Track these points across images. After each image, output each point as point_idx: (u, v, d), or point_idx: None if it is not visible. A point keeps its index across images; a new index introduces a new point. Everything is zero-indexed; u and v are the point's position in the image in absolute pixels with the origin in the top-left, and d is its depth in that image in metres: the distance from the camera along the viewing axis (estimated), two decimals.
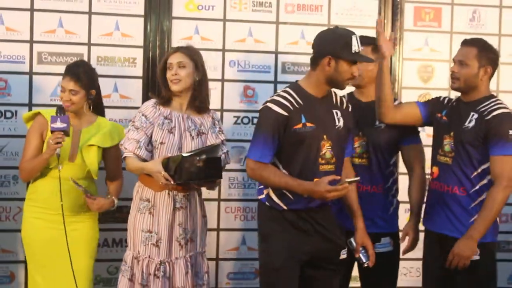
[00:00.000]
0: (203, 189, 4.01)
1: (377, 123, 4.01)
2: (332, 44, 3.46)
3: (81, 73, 4.00)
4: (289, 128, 3.43)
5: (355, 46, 3.50)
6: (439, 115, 4.04)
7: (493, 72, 3.89)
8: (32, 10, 4.44)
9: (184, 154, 3.65)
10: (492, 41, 4.06)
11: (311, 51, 3.65)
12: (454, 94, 4.59)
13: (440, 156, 4.00)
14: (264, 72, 4.83)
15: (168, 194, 3.80)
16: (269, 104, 3.51)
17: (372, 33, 4.37)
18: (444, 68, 4.92)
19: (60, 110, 3.79)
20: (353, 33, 3.58)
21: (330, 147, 3.52)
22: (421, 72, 5.00)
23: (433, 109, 4.08)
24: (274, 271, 3.58)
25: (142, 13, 4.62)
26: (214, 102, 4.52)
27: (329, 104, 3.57)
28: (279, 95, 3.51)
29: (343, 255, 3.76)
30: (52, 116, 3.74)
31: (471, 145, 3.82)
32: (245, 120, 4.77)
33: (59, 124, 3.72)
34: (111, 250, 4.57)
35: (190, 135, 3.85)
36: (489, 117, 3.77)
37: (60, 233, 3.82)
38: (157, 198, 3.81)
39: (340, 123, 3.58)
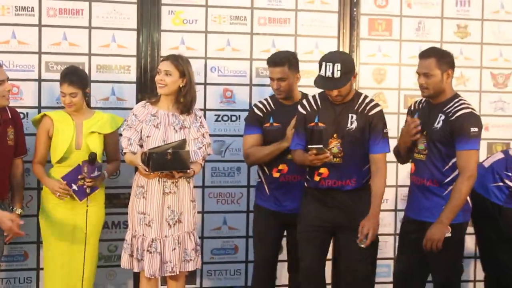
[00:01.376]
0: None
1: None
2: None
3: (76, 77, 4.29)
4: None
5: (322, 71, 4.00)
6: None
7: (453, 73, 4.09)
8: (40, 25, 4.68)
9: (152, 149, 3.95)
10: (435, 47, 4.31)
11: None
12: (404, 94, 5.16)
13: (416, 154, 4.17)
14: (240, 76, 5.08)
15: (158, 181, 4.10)
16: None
17: (332, 41, 4.92)
18: (394, 71, 5.19)
19: (93, 159, 4.12)
20: (323, 60, 4.04)
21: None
22: (375, 74, 5.23)
23: (411, 114, 4.28)
24: (298, 233, 4.17)
25: (135, 27, 4.85)
26: (198, 103, 4.62)
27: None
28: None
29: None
30: (90, 166, 4.10)
31: (441, 143, 4.01)
32: (225, 118, 5.02)
33: (96, 173, 4.14)
34: (111, 232, 4.83)
35: (174, 129, 4.16)
36: (453, 118, 3.95)
37: (75, 215, 4.21)
38: (149, 185, 4.11)
39: None
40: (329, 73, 3.96)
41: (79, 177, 4.12)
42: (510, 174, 4.51)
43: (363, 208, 4.04)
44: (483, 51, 5.46)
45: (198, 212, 4.82)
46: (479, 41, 5.47)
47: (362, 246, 3.98)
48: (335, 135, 4.10)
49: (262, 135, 4.45)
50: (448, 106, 4.01)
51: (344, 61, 4.05)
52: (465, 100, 4.08)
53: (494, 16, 5.46)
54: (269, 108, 4.44)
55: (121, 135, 4.27)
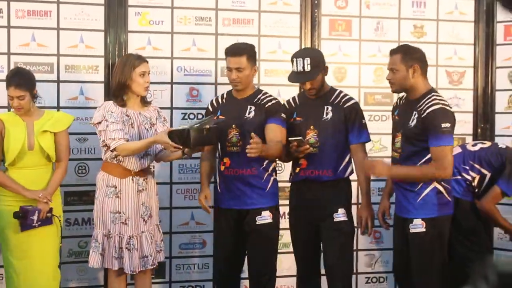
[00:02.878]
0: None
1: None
2: None
3: (21, 79, 4.14)
4: None
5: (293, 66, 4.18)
6: (394, 115, 4.31)
7: (422, 68, 4.06)
8: (9, 27, 4.70)
9: (190, 126, 3.97)
10: (393, 46, 4.35)
11: None
12: (364, 92, 5.27)
13: (392, 152, 4.25)
14: (206, 76, 5.14)
15: (132, 179, 4.18)
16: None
17: (294, 41, 5.01)
18: (355, 69, 5.29)
19: (22, 215, 4.03)
20: (294, 56, 4.24)
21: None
22: (336, 73, 5.29)
23: (393, 111, 4.34)
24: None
25: (103, 28, 4.88)
26: (164, 102, 4.91)
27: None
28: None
29: (338, 217, 4.20)
30: (30, 217, 4.02)
31: (415, 140, 4.01)
32: (191, 116, 5.07)
33: (37, 221, 4.05)
34: (81, 228, 4.85)
35: (145, 127, 4.25)
36: (424, 114, 3.93)
37: None
38: (123, 184, 4.16)
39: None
40: (300, 68, 4.14)
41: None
42: (467, 167, 4.59)
43: (343, 202, 4.20)
44: (438, 50, 5.57)
45: (166, 208, 4.93)
46: (435, 40, 5.58)
47: (367, 235, 4.29)
48: (311, 127, 4.23)
49: None
50: (421, 103, 4.01)
51: (313, 55, 4.21)
52: (438, 95, 4.04)
53: (448, 16, 5.56)
54: (220, 102, 4.45)
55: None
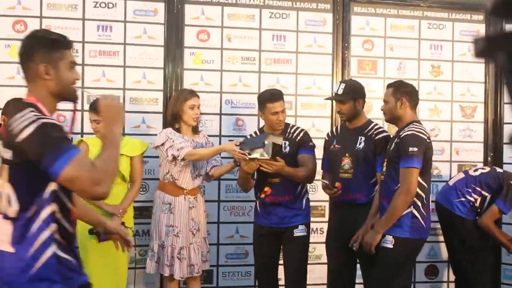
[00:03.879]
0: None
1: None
2: None
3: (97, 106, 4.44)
4: None
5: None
6: (332, 145, 4.57)
7: (411, 101, 4.18)
8: (83, 64, 5.07)
9: (268, 141, 4.14)
10: (414, 84, 4.65)
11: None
12: (387, 125, 5.44)
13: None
14: (250, 108, 5.39)
15: (184, 198, 4.55)
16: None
17: (327, 79, 5.33)
18: (380, 104, 4.96)
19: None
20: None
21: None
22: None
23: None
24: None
25: (162, 66, 5.25)
26: (214, 130, 5.21)
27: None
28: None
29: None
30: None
31: (394, 163, 4.10)
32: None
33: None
34: (141, 239, 5.16)
35: None
36: (399, 140, 4.08)
37: None
38: (176, 201, 4.54)
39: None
40: (335, 90, 4.53)
41: None
42: (470, 190, 4.82)
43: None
44: (453, 87, 5.83)
45: (214, 223, 5.23)
46: (450, 79, 5.85)
47: (354, 249, 4.31)
48: (347, 154, 4.46)
49: None
50: (402, 131, 4.14)
51: (349, 84, 4.55)
52: (417, 125, 4.10)
53: (462, 58, 5.85)
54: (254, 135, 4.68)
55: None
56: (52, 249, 2.47)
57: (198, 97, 4.68)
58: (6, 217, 2.47)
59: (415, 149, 3.96)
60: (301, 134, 4.56)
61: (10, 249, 2.46)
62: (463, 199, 4.87)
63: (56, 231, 2.48)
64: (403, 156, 4.01)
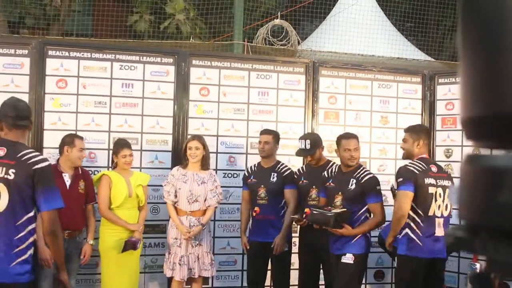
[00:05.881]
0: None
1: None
2: None
3: (127, 144, 5.39)
4: None
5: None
6: (328, 183, 5.21)
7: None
8: (110, 114, 6.01)
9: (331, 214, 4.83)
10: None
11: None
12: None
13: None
14: (240, 148, 6.29)
15: (186, 217, 5.47)
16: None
17: (300, 126, 6.23)
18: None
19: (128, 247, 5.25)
20: (300, 138, 5.34)
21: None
22: (328, 148, 6.11)
23: (324, 182, 5.18)
24: None
25: (172, 114, 6.14)
26: (211, 165, 6.00)
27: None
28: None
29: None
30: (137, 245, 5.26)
31: (356, 199, 4.84)
32: (229, 175, 6.28)
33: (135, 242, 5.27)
34: (153, 249, 6.07)
35: (197, 183, 5.43)
36: (362, 181, 4.91)
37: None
38: (180, 220, 5.54)
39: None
40: (303, 146, 5.37)
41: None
42: None
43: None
44: (397, 133, 6.63)
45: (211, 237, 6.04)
46: (395, 126, 6.78)
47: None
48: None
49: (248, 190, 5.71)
50: (356, 172, 4.90)
51: (312, 138, 5.41)
52: (366, 170, 4.96)
53: (405, 110, 6.82)
54: (253, 170, 5.69)
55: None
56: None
57: (197, 140, 5.55)
58: None
59: (379, 187, 5.01)
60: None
61: None
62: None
63: None
64: (370, 193, 5.01)
